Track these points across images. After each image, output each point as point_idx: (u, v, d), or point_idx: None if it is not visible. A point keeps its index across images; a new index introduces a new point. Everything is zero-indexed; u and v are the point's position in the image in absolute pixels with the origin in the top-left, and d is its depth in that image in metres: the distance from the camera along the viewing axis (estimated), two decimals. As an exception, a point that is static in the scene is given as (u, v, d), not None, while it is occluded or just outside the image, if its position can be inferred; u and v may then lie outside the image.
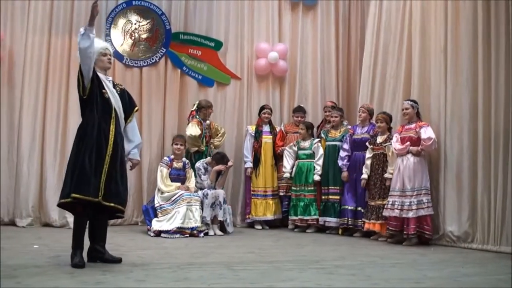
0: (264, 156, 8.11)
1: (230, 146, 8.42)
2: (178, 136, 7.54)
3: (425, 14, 7.16)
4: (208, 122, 7.89)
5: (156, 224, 6.89)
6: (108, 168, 4.64)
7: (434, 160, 6.84)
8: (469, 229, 6.36)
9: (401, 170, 6.64)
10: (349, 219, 7.30)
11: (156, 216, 7.02)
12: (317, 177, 7.65)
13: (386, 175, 6.90)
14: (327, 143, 7.72)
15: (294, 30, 8.96)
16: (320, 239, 7.07)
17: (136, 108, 5.11)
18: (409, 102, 6.83)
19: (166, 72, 8.31)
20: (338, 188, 7.51)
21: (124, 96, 4.97)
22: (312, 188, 7.68)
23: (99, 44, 4.84)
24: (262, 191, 8.04)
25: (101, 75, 4.81)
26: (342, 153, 7.45)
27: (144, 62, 8.20)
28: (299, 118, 8.19)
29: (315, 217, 7.62)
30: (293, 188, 7.84)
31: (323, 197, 7.61)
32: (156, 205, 7.08)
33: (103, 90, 4.75)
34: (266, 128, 8.23)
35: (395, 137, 6.81)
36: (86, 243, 4.77)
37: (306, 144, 7.82)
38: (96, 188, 4.57)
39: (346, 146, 7.46)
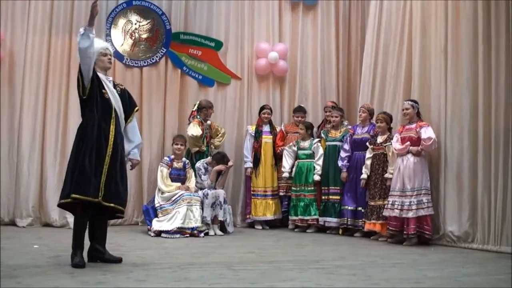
0: (264, 156, 8.10)
1: (230, 146, 8.41)
2: (179, 136, 7.54)
3: (426, 14, 7.15)
4: (209, 122, 7.89)
5: (156, 224, 6.89)
6: (108, 168, 4.64)
7: (434, 160, 6.84)
8: (470, 229, 6.36)
9: (401, 170, 6.64)
10: (349, 219, 7.30)
11: (156, 216, 7.01)
12: (317, 177, 7.64)
13: (386, 175, 6.90)
14: (328, 143, 7.72)
15: (294, 30, 8.95)
16: (321, 239, 7.06)
17: (136, 108, 5.11)
18: (410, 102, 6.83)
19: (167, 72, 8.31)
20: (338, 188, 7.51)
21: (124, 96, 4.96)
22: (312, 188, 7.68)
23: (99, 44, 4.84)
24: (262, 191, 8.04)
25: (101, 75, 4.80)
26: (343, 154, 7.45)
27: (145, 62, 8.20)
28: (299, 118, 8.18)
29: (315, 217, 7.62)
30: (293, 188, 7.84)
31: (323, 197, 7.61)
32: (156, 205, 7.08)
33: (103, 90, 4.75)
34: (266, 128, 8.22)
35: (396, 137, 6.80)
36: (86, 243, 4.77)
37: (305, 144, 7.82)
38: (96, 188, 4.57)
39: (346, 146, 7.45)
